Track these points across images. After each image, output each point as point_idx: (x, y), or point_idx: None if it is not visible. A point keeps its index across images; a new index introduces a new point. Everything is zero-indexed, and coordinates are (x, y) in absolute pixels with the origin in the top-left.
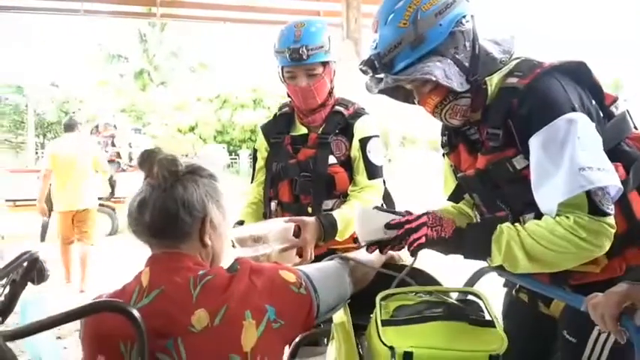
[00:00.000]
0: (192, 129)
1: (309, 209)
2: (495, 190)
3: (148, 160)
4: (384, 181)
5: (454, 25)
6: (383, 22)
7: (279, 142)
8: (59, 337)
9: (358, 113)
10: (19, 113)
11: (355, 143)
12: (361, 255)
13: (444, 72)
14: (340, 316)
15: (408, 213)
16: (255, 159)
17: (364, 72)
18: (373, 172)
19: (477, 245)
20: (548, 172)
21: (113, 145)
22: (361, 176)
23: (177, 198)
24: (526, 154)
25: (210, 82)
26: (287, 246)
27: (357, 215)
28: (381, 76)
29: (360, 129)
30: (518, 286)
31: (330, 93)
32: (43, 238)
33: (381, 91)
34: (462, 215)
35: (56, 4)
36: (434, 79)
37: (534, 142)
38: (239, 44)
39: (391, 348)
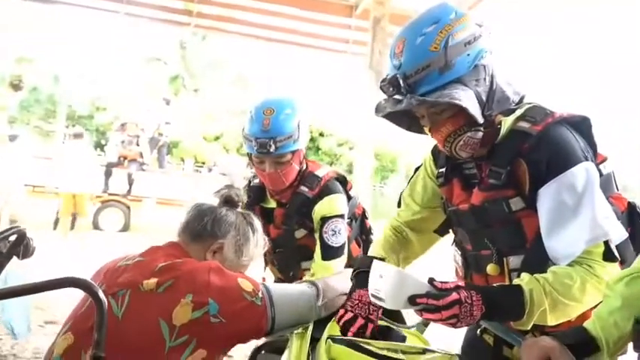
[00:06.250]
0: (217, 138)
1: (291, 273)
2: (486, 228)
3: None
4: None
5: (479, 57)
6: (412, 44)
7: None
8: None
9: (323, 193)
10: (53, 103)
11: (316, 222)
12: (335, 281)
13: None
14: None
15: (432, 283)
16: None
17: (384, 90)
18: (328, 253)
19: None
20: (565, 219)
21: (137, 144)
22: (317, 255)
23: (216, 213)
24: (527, 198)
25: (243, 97)
26: None
27: (392, 276)
28: (399, 97)
29: (319, 211)
30: (482, 326)
31: (299, 173)
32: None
33: (386, 116)
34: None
35: (98, 3)
36: (463, 104)
37: (549, 189)
38: (274, 63)
39: None
